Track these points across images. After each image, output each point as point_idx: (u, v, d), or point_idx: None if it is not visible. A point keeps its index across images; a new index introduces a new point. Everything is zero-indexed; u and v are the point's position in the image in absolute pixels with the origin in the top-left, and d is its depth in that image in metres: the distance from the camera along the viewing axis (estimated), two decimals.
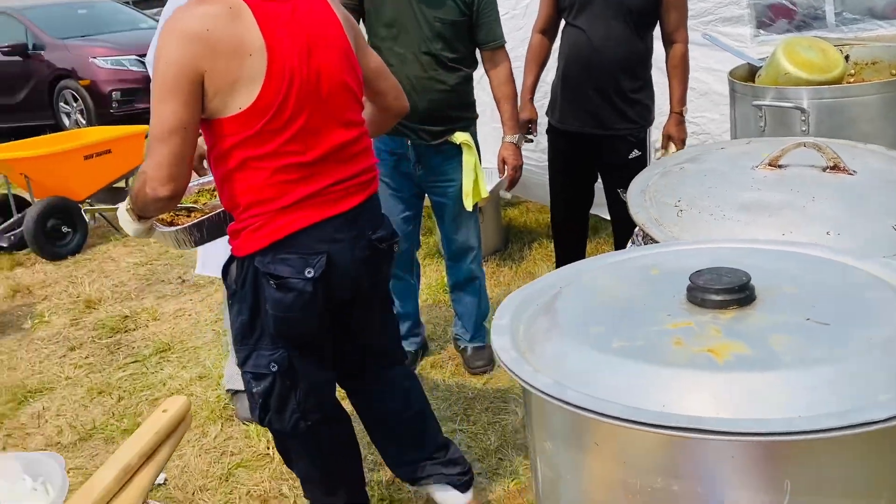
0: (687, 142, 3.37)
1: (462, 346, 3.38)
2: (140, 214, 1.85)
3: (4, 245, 5.09)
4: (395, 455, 2.33)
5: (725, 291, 1.05)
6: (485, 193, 3.04)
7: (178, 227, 2.14)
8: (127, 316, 4.13)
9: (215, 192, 2.42)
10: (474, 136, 3.06)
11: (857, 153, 1.60)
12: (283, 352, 1.90)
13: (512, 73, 3.01)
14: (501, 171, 3.09)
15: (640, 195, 1.61)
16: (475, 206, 3.11)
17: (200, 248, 2.60)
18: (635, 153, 3.10)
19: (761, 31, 3.53)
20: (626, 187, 3.19)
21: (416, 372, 3.34)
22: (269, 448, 2.90)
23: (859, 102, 2.18)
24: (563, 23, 3.12)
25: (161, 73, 1.65)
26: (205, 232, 2.17)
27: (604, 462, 0.95)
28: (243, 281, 1.87)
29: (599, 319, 1.08)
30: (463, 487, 2.33)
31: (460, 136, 2.98)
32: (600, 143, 3.12)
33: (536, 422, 1.07)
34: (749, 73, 2.66)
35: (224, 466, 2.81)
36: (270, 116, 1.71)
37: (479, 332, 3.36)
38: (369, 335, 2.15)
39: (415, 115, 2.96)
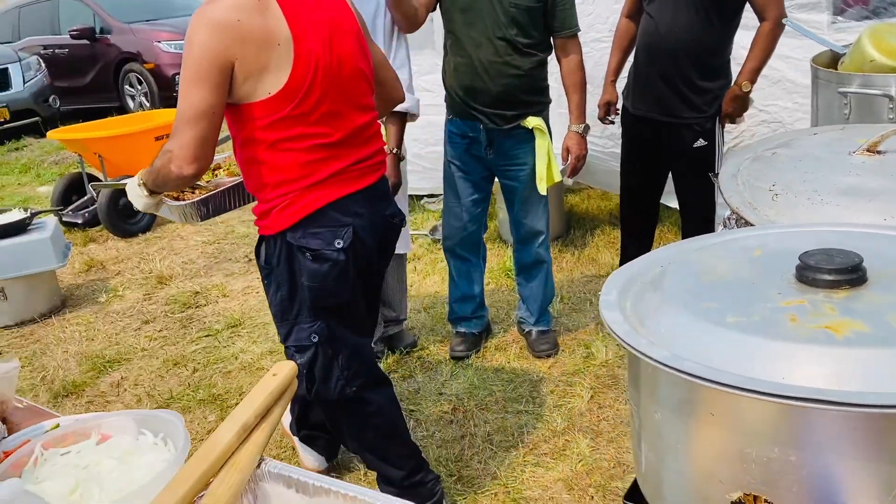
0: (759, 130, 3.34)
1: (526, 330, 3.42)
2: (153, 190, 1.97)
3: (79, 222, 5.29)
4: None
5: (837, 272, 1.06)
6: (558, 177, 3.07)
7: (187, 201, 2.30)
8: (198, 292, 4.26)
9: (216, 172, 2.58)
10: (547, 119, 3.08)
11: None
12: (321, 323, 2.01)
13: (582, 63, 3.03)
14: (565, 159, 3.12)
15: (732, 179, 1.62)
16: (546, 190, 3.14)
17: None
18: (700, 142, 3.10)
19: (838, 18, 3.47)
20: (690, 176, 3.22)
21: (480, 354, 3.40)
22: None
23: None
24: None
25: (193, 59, 1.75)
26: (210, 207, 2.33)
27: (719, 432, 0.98)
28: (277, 258, 1.97)
29: (710, 296, 1.11)
30: None
31: (532, 121, 3.00)
32: (664, 130, 3.14)
33: (646, 393, 1.10)
34: (831, 60, 2.62)
35: None
36: (298, 101, 1.82)
37: (544, 316, 3.39)
38: (378, 305, 2.33)
39: (488, 98, 3.00)
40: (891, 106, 2.15)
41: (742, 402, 0.94)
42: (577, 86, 3.02)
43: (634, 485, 1.26)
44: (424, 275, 4.21)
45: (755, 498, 0.96)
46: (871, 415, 0.86)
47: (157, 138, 5.19)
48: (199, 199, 2.27)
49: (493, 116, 3.03)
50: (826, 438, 0.90)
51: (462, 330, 3.43)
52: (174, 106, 2.00)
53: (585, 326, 3.55)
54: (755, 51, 2.90)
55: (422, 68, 4.22)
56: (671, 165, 3.28)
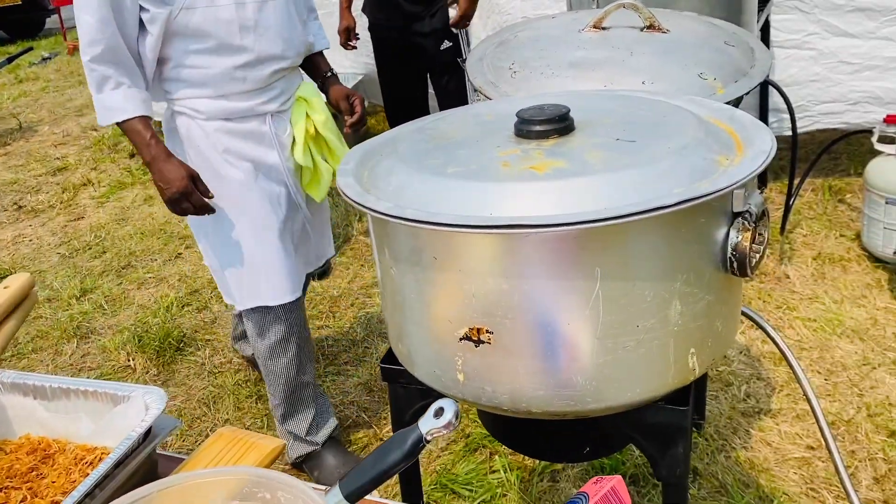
0: None
1: None
2: None
3: None
4: None
5: (547, 122, 1.14)
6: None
7: None
8: None
9: None
10: None
11: (671, 16, 1.74)
12: None
13: None
14: None
15: (479, 63, 1.68)
16: None
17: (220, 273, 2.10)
18: (446, 44, 3.24)
19: None
20: (444, 79, 3.34)
21: None
22: (129, 360, 2.85)
23: None
24: None
25: None
26: None
27: (443, 274, 1.03)
28: None
29: (436, 154, 1.15)
30: None
31: None
32: (409, 36, 3.24)
33: (381, 252, 1.13)
34: None
35: None
36: None
37: None
38: None
39: None
40: None
41: (456, 240, 1.00)
42: None
43: (389, 350, 1.31)
44: None
45: (478, 331, 1.02)
46: (563, 235, 0.94)
47: None
48: None
49: None
50: (528, 263, 0.97)
51: None
52: None
53: None
54: None
55: None
56: (426, 71, 3.38)
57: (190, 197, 1.82)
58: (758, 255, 1.07)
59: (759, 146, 1.06)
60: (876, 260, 2.94)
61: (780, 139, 3.85)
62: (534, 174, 1.02)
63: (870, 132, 3.00)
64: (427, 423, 0.78)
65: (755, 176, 1.01)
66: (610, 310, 0.98)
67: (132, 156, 5.10)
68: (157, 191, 2.02)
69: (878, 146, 2.89)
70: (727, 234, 1.04)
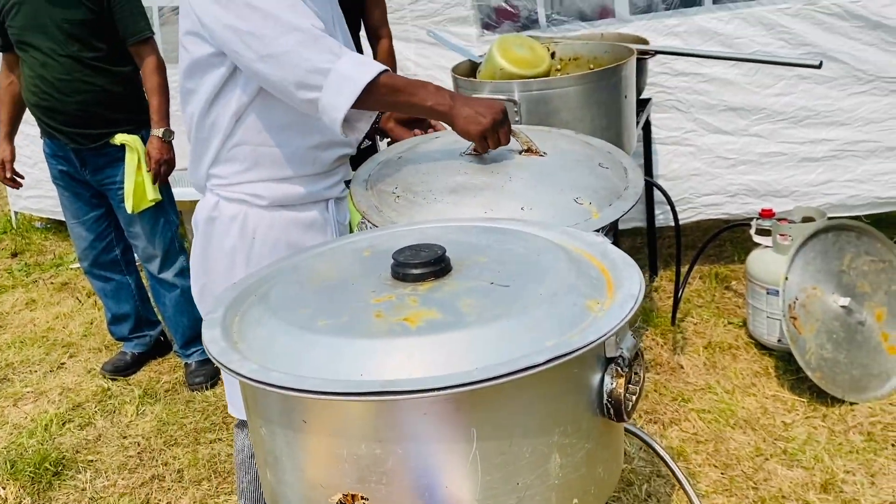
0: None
1: (184, 362, 3.28)
2: None
3: None
4: None
5: (423, 265, 1.13)
6: (152, 196, 2.97)
7: None
8: None
9: None
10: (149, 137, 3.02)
11: (550, 137, 1.78)
12: None
13: (159, 66, 2.98)
14: (149, 167, 3.00)
15: (363, 185, 1.67)
16: (164, 210, 3.07)
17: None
18: (366, 143, 3.23)
19: (486, 31, 3.79)
20: None
21: (171, 388, 3.19)
22: (0, 489, 2.62)
23: (561, 93, 2.43)
24: None
25: None
26: None
27: (314, 438, 0.98)
28: None
29: (308, 302, 1.11)
30: None
31: (120, 138, 2.93)
32: None
33: (251, 410, 1.07)
34: (471, 69, 2.85)
35: None
36: None
37: (194, 344, 3.23)
38: None
39: (64, 117, 2.91)
40: (516, 109, 2.38)
41: (325, 405, 0.95)
42: (155, 90, 2.97)
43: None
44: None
45: (353, 497, 0.97)
46: (433, 398, 0.92)
47: None
48: None
49: (74, 136, 2.93)
50: (401, 427, 0.94)
51: (124, 349, 3.33)
52: None
53: None
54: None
55: None
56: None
57: (505, 121, 1.59)
58: (634, 397, 1.07)
59: (628, 289, 1.08)
60: (762, 347, 3.06)
61: (667, 229, 4.01)
62: (406, 328, 1.00)
63: (748, 224, 3.16)
64: None
65: (626, 323, 1.02)
66: (488, 469, 0.95)
67: (14, 255, 4.83)
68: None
69: (757, 239, 3.04)
70: (602, 380, 1.04)
